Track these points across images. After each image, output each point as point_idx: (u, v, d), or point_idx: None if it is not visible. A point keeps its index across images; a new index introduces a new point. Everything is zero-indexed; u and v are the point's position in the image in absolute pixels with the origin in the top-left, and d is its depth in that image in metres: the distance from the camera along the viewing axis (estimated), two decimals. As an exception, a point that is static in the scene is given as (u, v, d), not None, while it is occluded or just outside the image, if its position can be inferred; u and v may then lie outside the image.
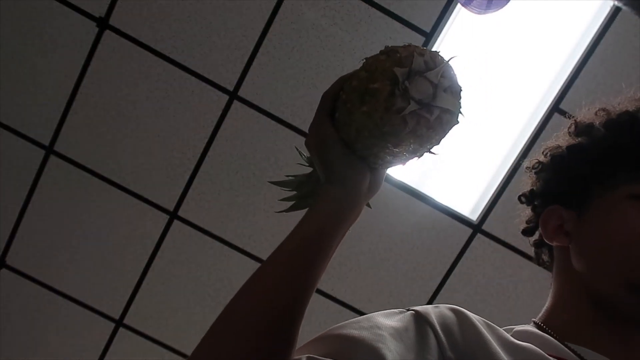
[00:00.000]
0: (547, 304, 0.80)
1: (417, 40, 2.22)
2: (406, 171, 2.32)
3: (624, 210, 0.73)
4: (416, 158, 0.73)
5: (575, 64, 2.22)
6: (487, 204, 2.37)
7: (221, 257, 2.52)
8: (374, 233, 2.43)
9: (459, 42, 2.25)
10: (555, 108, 2.25)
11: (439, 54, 0.69)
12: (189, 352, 2.72)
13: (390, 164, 0.73)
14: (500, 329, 0.69)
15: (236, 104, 2.33)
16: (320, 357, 0.60)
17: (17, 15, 2.27)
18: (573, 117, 0.85)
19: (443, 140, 0.71)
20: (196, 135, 2.37)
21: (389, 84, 0.66)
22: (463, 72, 0.71)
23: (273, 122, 2.35)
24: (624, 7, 1.63)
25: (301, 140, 2.32)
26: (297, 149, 0.81)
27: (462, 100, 0.70)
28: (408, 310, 0.68)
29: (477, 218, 2.40)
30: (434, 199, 2.38)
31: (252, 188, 2.43)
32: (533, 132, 2.28)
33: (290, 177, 0.79)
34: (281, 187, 0.79)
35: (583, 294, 0.74)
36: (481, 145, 2.37)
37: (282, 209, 0.79)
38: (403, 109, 0.65)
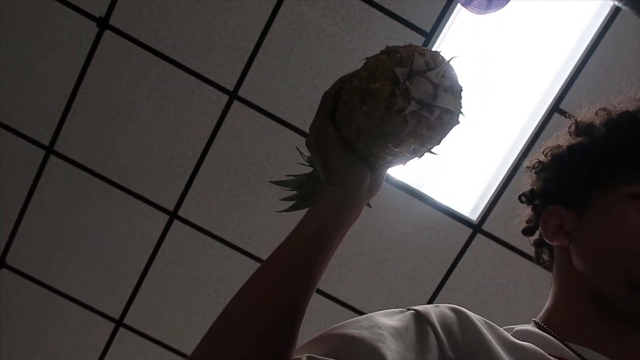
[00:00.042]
0: (547, 303, 0.80)
1: (417, 40, 2.22)
2: (406, 171, 2.32)
3: (624, 210, 0.73)
4: (417, 158, 0.73)
5: (575, 64, 2.22)
6: (487, 204, 2.38)
7: (221, 257, 2.52)
8: (374, 233, 2.43)
9: (459, 42, 2.25)
10: (555, 108, 2.25)
11: (440, 54, 0.69)
12: (189, 352, 2.72)
13: (390, 163, 0.73)
14: (501, 329, 0.69)
15: (236, 104, 2.33)
16: (320, 357, 0.59)
17: (17, 15, 2.27)
18: (573, 116, 0.85)
19: (443, 140, 0.71)
20: (196, 135, 2.37)
21: (390, 84, 0.66)
22: (463, 72, 0.71)
23: (273, 122, 2.35)
24: (624, 7, 1.63)
25: (301, 140, 2.32)
26: (298, 149, 0.81)
27: (462, 100, 0.70)
28: (408, 309, 0.68)
29: (477, 218, 2.40)
30: (434, 199, 2.38)
31: (252, 188, 2.43)
32: (533, 132, 2.28)
33: (290, 177, 0.79)
34: (282, 186, 0.79)
35: (583, 293, 0.74)
36: (481, 145, 2.37)
37: (282, 209, 0.79)
38: (404, 109, 0.65)
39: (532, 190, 0.87)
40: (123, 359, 2.68)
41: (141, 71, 2.31)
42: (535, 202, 0.87)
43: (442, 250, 2.46)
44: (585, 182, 0.79)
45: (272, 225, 2.45)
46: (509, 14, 2.04)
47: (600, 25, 2.17)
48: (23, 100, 2.37)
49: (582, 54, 2.21)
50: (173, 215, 2.48)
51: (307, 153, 0.78)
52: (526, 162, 0.89)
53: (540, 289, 2.41)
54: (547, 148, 0.86)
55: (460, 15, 2.19)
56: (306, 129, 2.44)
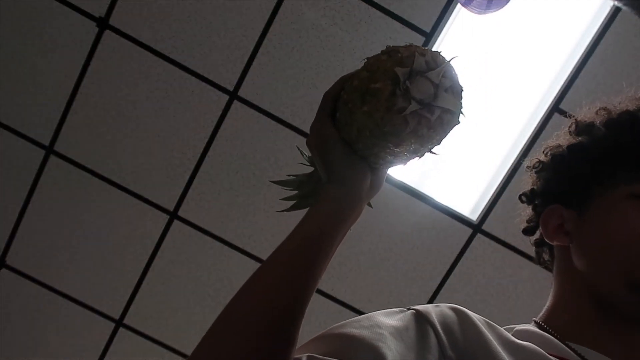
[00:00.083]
0: (548, 303, 0.80)
1: (417, 40, 2.22)
2: (406, 171, 2.33)
3: (624, 209, 0.73)
4: (417, 158, 0.73)
5: (575, 64, 2.22)
6: (487, 204, 2.38)
7: (221, 257, 2.52)
8: (374, 233, 2.43)
9: (459, 42, 2.25)
10: (555, 108, 2.25)
11: (440, 54, 0.69)
12: (189, 352, 2.71)
13: (391, 163, 0.73)
14: (501, 328, 0.69)
15: (236, 104, 2.33)
16: (320, 357, 0.59)
17: (17, 15, 2.27)
18: (573, 116, 0.85)
19: (444, 140, 0.71)
20: (196, 135, 2.37)
21: (390, 84, 0.66)
22: (463, 72, 0.71)
23: (273, 122, 2.35)
24: (624, 7, 1.63)
25: (301, 140, 2.32)
26: (299, 149, 0.81)
27: (463, 101, 0.70)
28: (409, 309, 0.68)
29: (477, 218, 2.40)
30: (434, 199, 2.38)
31: (252, 188, 2.43)
32: (533, 132, 2.28)
33: (291, 177, 0.79)
34: (282, 186, 0.79)
35: (584, 293, 0.74)
36: (481, 145, 2.37)
37: (283, 209, 0.79)
38: (404, 109, 0.65)
39: (532, 190, 0.87)
40: (123, 359, 2.68)
41: (141, 71, 2.31)
42: (536, 202, 0.87)
43: (442, 250, 2.46)
44: (585, 181, 0.79)
45: (272, 225, 2.45)
46: (509, 14, 2.04)
47: (600, 25, 2.17)
48: (23, 100, 2.37)
49: (582, 54, 2.21)
50: (173, 215, 2.48)
51: (308, 153, 0.78)
52: (526, 162, 0.89)
53: (540, 289, 2.41)
54: (547, 148, 0.86)
55: (460, 15, 2.19)
56: (306, 129, 2.44)
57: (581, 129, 0.82)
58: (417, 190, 2.37)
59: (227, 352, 0.60)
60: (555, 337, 0.71)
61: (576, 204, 0.79)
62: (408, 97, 0.65)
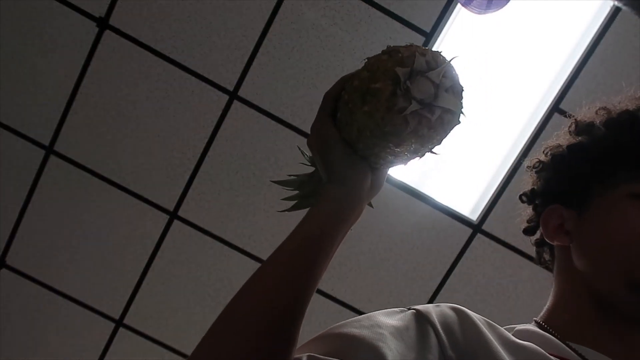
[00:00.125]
0: (548, 303, 0.80)
1: (417, 40, 2.22)
2: (406, 171, 2.33)
3: (624, 209, 0.73)
4: (417, 158, 0.73)
5: (575, 64, 2.22)
6: (487, 204, 2.38)
7: (221, 257, 2.52)
8: (374, 233, 2.43)
9: (459, 42, 2.25)
10: (555, 108, 2.25)
11: (441, 54, 0.69)
12: (189, 352, 2.71)
13: (391, 163, 0.73)
14: (502, 328, 0.69)
15: (236, 104, 2.33)
16: (320, 356, 0.59)
17: (17, 15, 2.27)
18: (573, 116, 0.85)
19: (444, 140, 0.71)
20: (196, 135, 2.37)
21: (391, 84, 0.66)
22: (463, 72, 0.71)
23: (273, 122, 2.35)
24: (624, 7, 1.63)
25: (301, 140, 2.32)
26: (300, 149, 0.81)
27: (463, 101, 0.70)
28: (409, 309, 0.68)
29: (477, 218, 2.40)
30: (434, 199, 2.38)
31: (252, 188, 2.43)
32: (533, 132, 2.28)
33: (292, 177, 0.79)
34: (283, 186, 0.79)
35: (584, 293, 0.74)
36: (481, 145, 2.37)
37: (284, 209, 0.79)
38: (405, 109, 0.65)
39: (532, 189, 0.87)
40: (123, 359, 2.68)
41: (141, 71, 2.31)
42: (536, 202, 0.87)
43: (442, 250, 2.46)
44: (585, 181, 0.79)
45: (272, 225, 2.45)
46: (509, 14, 2.04)
47: (600, 25, 2.17)
48: (23, 100, 2.37)
49: (582, 54, 2.21)
50: (173, 215, 2.48)
51: (308, 153, 0.78)
52: (526, 162, 0.89)
53: (540, 289, 2.41)
54: (547, 147, 0.86)
55: (460, 15, 2.19)
56: (306, 129, 2.45)
57: (581, 128, 0.82)
58: (417, 190, 2.37)
59: (227, 352, 0.60)
60: (556, 337, 0.71)
61: (576, 204, 0.79)
62: (409, 97, 0.66)
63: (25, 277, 2.58)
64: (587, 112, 0.84)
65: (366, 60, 0.71)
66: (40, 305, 2.61)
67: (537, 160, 0.87)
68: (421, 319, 0.65)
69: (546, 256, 0.87)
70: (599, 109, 0.82)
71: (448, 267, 2.47)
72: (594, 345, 0.70)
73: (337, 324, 0.66)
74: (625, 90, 0.83)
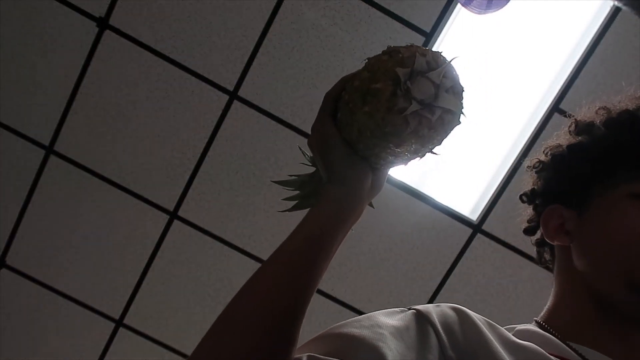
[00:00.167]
0: (548, 303, 0.80)
1: (417, 40, 2.22)
2: (406, 171, 2.33)
3: (624, 209, 0.73)
4: (418, 158, 0.73)
5: (575, 64, 2.22)
6: (487, 204, 2.38)
7: (221, 257, 2.52)
8: (374, 233, 2.43)
9: (459, 42, 2.25)
10: (555, 108, 2.26)
11: (441, 54, 0.69)
12: (189, 352, 2.71)
13: (392, 164, 0.73)
14: (502, 328, 0.69)
15: (236, 104, 2.33)
16: (321, 356, 0.59)
17: (17, 15, 2.27)
18: (573, 116, 0.85)
19: (445, 141, 0.71)
20: (196, 135, 2.37)
21: (391, 84, 0.66)
22: (463, 72, 0.71)
23: (273, 122, 2.35)
24: (624, 7, 1.63)
25: (301, 140, 2.32)
26: (301, 149, 0.81)
27: (464, 101, 0.70)
28: (409, 309, 0.68)
29: (477, 218, 2.40)
30: (434, 199, 2.38)
31: (252, 188, 2.43)
32: (533, 132, 2.28)
33: (293, 177, 0.79)
34: (284, 186, 0.79)
35: (584, 293, 0.74)
36: (481, 145, 2.37)
37: (284, 209, 0.79)
38: (405, 109, 0.65)
39: (532, 189, 0.87)
40: (123, 359, 2.68)
41: (141, 71, 2.31)
42: (536, 202, 0.87)
43: (442, 250, 2.46)
44: (585, 181, 0.79)
45: (272, 225, 2.45)
46: (509, 14, 2.04)
47: (600, 25, 2.17)
48: (23, 100, 2.37)
49: (582, 54, 2.21)
50: (173, 215, 2.48)
51: (309, 153, 0.78)
52: (527, 162, 0.89)
53: (540, 289, 2.41)
54: (547, 147, 0.86)
55: (460, 15, 2.19)
56: (306, 129, 2.45)
57: (581, 128, 0.82)
58: (417, 190, 2.37)
59: (227, 352, 0.60)
60: (556, 337, 0.71)
61: (576, 204, 0.79)
62: (409, 98, 0.66)
63: (25, 277, 2.58)
64: (587, 111, 0.84)
65: (367, 60, 0.71)
66: (40, 305, 2.61)
67: (537, 160, 0.87)
68: (421, 319, 0.65)
69: (547, 256, 0.87)
70: (599, 109, 0.82)
71: (448, 267, 2.47)
72: (594, 345, 0.70)
73: (337, 324, 0.66)
74: (626, 90, 0.83)
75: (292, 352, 0.62)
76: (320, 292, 2.49)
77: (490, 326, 0.67)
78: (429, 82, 0.67)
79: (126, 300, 2.58)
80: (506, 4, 1.83)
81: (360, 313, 2.50)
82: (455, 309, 0.68)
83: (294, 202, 0.79)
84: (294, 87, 2.30)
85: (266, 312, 0.62)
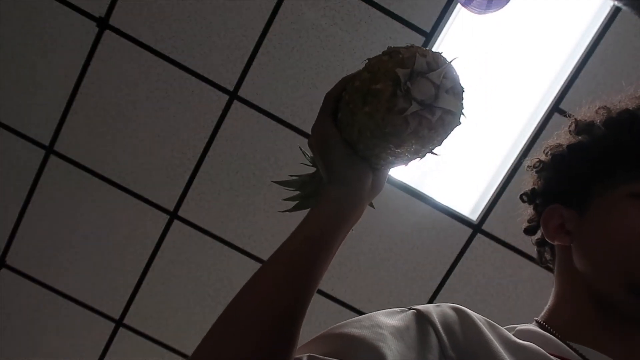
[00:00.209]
0: (549, 302, 0.80)
1: (417, 40, 2.22)
2: (406, 171, 2.33)
3: (623, 209, 0.73)
4: (418, 158, 0.73)
5: (575, 64, 2.22)
6: (487, 204, 2.38)
7: (221, 257, 2.52)
8: (374, 233, 2.43)
9: (459, 42, 2.25)
10: (555, 108, 2.26)
11: (442, 54, 0.69)
12: (189, 352, 2.72)
13: (392, 164, 0.73)
14: (502, 328, 0.69)
15: (236, 104, 2.33)
16: (321, 356, 0.59)
17: (17, 15, 2.27)
18: (573, 116, 0.85)
19: (445, 141, 0.71)
20: (196, 135, 2.37)
21: (391, 85, 0.66)
22: (463, 72, 0.71)
23: (273, 122, 2.35)
24: (624, 7, 1.63)
25: (301, 140, 2.32)
26: (301, 149, 0.82)
27: (464, 101, 0.70)
28: (409, 309, 0.68)
29: (477, 218, 2.40)
30: (434, 199, 2.38)
31: (252, 188, 2.43)
32: (533, 132, 2.28)
33: (293, 177, 0.79)
34: (284, 186, 0.79)
35: (584, 293, 0.74)
36: (481, 145, 2.37)
37: (285, 209, 0.79)
38: (405, 110, 0.65)
39: (533, 189, 0.87)
40: (123, 359, 2.68)
41: (141, 71, 2.31)
42: (537, 202, 0.87)
43: (442, 250, 2.46)
44: (585, 181, 0.79)
45: (272, 225, 2.45)
46: (509, 14, 2.04)
47: (600, 25, 2.17)
48: (23, 100, 2.37)
49: (582, 54, 2.21)
50: (173, 215, 2.48)
51: (310, 153, 0.78)
52: (527, 162, 0.89)
53: (540, 289, 2.41)
54: (547, 147, 0.86)
55: (460, 15, 2.19)
56: (306, 129, 2.45)
57: (581, 128, 0.82)
58: (417, 190, 2.37)
59: (228, 352, 0.60)
60: (557, 337, 0.71)
61: (576, 204, 0.79)
62: (409, 98, 0.66)
63: (25, 277, 2.58)
64: (587, 111, 0.84)
65: (367, 61, 0.71)
66: (40, 305, 2.61)
67: (538, 159, 0.87)
68: (422, 319, 0.65)
69: (547, 256, 0.86)
70: (599, 108, 0.82)
71: (448, 267, 2.47)
72: (595, 345, 0.70)
73: (338, 324, 0.66)
74: (626, 90, 0.83)
75: (292, 352, 0.62)
76: (320, 292, 2.49)
77: (491, 326, 0.67)
78: (429, 82, 0.67)
79: (126, 300, 2.58)
80: (506, 4, 1.83)
81: (360, 313, 2.50)
82: (455, 309, 0.68)
83: (294, 203, 0.79)
84: (294, 87, 2.30)
85: (266, 313, 0.62)
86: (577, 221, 0.78)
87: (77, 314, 2.61)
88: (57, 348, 2.69)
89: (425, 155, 0.72)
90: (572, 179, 0.81)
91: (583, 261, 0.75)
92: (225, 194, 2.44)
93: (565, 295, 0.77)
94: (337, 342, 0.62)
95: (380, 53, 0.70)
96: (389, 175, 0.78)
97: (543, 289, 0.83)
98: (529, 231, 0.88)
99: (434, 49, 0.70)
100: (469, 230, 2.42)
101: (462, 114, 0.71)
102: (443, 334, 0.63)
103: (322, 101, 0.75)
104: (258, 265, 0.67)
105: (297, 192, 0.79)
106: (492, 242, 2.43)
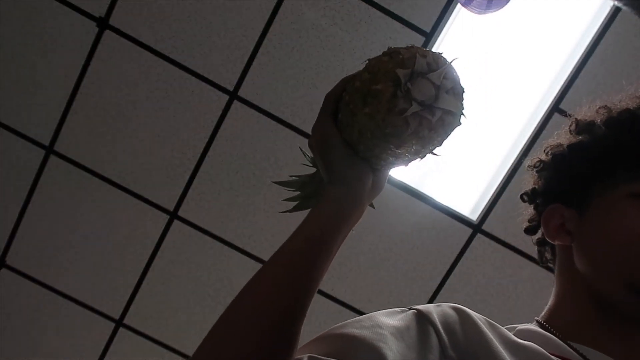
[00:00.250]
0: (550, 302, 0.80)
1: (417, 40, 2.22)
2: (406, 171, 2.33)
3: (623, 209, 0.73)
4: (418, 159, 0.73)
5: (575, 64, 2.22)
6: (487, 204, 2.38)
7: (221, 257, 2.52)
8: (374, 233, 2.43)
9: (459, 42, 2.25)
10: (555, 108, 2.26)
11: (442, 55, 0.69)
12: (189, 352, 2.72)
13: (392, 164, 0.73)
14: (503, 328, 0.69)
15: (236, 104, 2.33)
16: (321, 357, 0.59)
17: (17, 15, 2.27)
18: (573, 116, 0.85)
19: (445, 141, 0.71)
20: (196, 135, 2.37)
21: (392, 85, 0.66)
22: (463, 72, 0.71)
23: (273, 122, 2.35)
24: (624, 7, 1.63)
25: (301, 140, 2.32)
26: (301, 149, 0.82)
27: (464, 102, 0.70)
28: (410, 309, 0.68)
29: (477, 218, 2.40)
30: (434, 199, 2.38)
31: (252, 188, 2.43)
32: (533, 132, 2.28)
33: (293, 177, 0.79)
34: (285, 187, 0.79)
35: (585, 293, 0.74)
36: (481, 145, 2.37)
37: (285, 209, 0.79)
38: (405, 110, 0.65)
39: (533, 189, 0.87)
40: (123, 359, 2.68)
41: (141, 71, 2.31)
42: (537, 201, 0.87)
43: (442, 250, 2.46)
44: (585, 180, 0.79)
45: (272, 225, 2.45)
46: (509, 14, 2.04)
47: (600, 25, 2.17)
48: (23, 100, 2.37)
49: (582, 54, 2.21)
50: (173, 215, 2.48)
51: (310, 154, 0.78)
52: (527, 161, 0.89)
53: (540, 289, 2.41)
54: (548, 147, 0.86)
55: (460, 15, 2.19)
56: (306, 129, 2.45)
57: (581, 127, 0.82)
58: (417, 190, 2.37)
59: (228, 353, 0.60)
60: (557, 337, 0.71)
61: (577, 204, 0.79)
62: (409, 99, 0.66)
63: (25, 277, 2.58)
64: (587, 111, 0.84)
65: (367, 61, 0.71)
66: (40, 305, 2.61)
67: (538, 159, 0.87)
68: (422, 319, 0.65)
69: (548, 255, 0.87)
70: (599, 108, 0.82)
71: (448, 267, 2.47)
72: (595, 345, 0.70)
73: (338, 324, 0.66)
74: (626, 89, 0.83)
75: (292, 353, 0.62)
76: (320, 292, 2.49)
77: (491, 326, 0.67)
78: (429, 83, 0.67)
79: (126, 300, 2.58)
80: (506, 4, 1.83)
81: (360, 313, 2.50)
82: (456, 309, 0.68)
83: (294, 203, 0.79)
84: (294, 87, 2.30)
85: (267, 313, 0.62)
86: (577, 221, 0.78)
87: (77, 314, 2.61)
88: (57, 348, 2.69)
89: (425, 155, 0.72)
90: (573, 178, 0.81)
91: (583, 261, 0.75)
92: (225, 194, 2.44)
93: (566, 295, 0.77)
94: (337, 342, 0.62)
95: (380, 53, 0.70)
96: (389, 175, 0.78)
97: (543, 289, 0.83)
98: (530, 231, 0.88)
99: (434, 49, 0.71)
100: (469, 230, 2.42)
101: (463, 114, 0.71)
102: (443, 334, 0.63)
103: (322, 101, 0.75)
104: (258, 265, 0.67)
105: (297, 193, 0.79)
106: (492, 242, 2.43)
